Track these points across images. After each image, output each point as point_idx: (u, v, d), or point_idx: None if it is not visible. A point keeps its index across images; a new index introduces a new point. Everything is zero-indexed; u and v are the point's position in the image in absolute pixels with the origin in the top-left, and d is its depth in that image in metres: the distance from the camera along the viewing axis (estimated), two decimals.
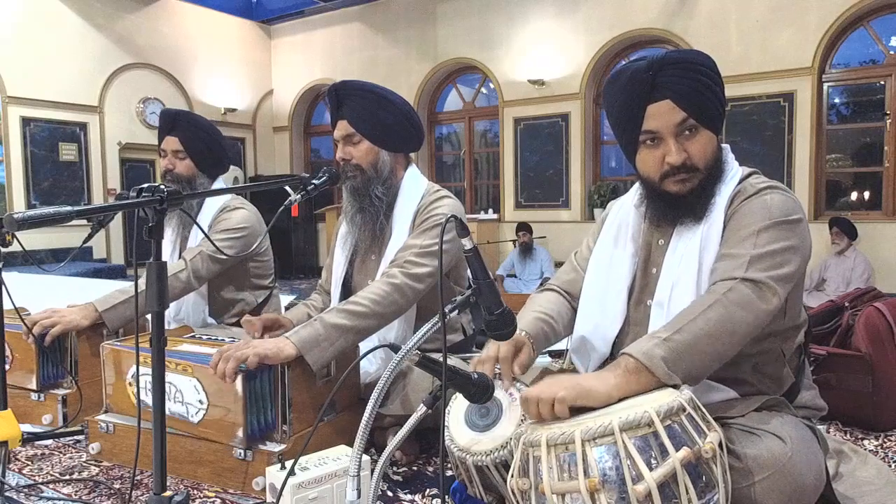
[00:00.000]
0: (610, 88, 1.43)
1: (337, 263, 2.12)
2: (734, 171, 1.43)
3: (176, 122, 2.43)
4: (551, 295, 1.64)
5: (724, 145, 1.45)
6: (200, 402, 1.67)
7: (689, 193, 1.38)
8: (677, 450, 1.03)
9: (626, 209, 1.55)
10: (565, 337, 1.59)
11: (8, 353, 2.14)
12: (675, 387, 1.17)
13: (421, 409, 1.22)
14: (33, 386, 2.11)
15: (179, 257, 2.41)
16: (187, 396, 1.69)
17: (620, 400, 1.16)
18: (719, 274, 1.30)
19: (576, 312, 1.60)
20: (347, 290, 2.09)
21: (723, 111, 1.40)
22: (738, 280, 1.26)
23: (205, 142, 2.44)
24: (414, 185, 2.03)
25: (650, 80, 1.34)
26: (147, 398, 1.59)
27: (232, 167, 9.52)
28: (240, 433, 1.62)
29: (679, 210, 1.40)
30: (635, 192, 1.53)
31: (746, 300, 1.24)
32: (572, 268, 1.68)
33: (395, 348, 1.20)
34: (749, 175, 1.43)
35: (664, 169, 1.37)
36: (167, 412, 1.71)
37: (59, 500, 1.61)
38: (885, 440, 1.95)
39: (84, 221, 1.53)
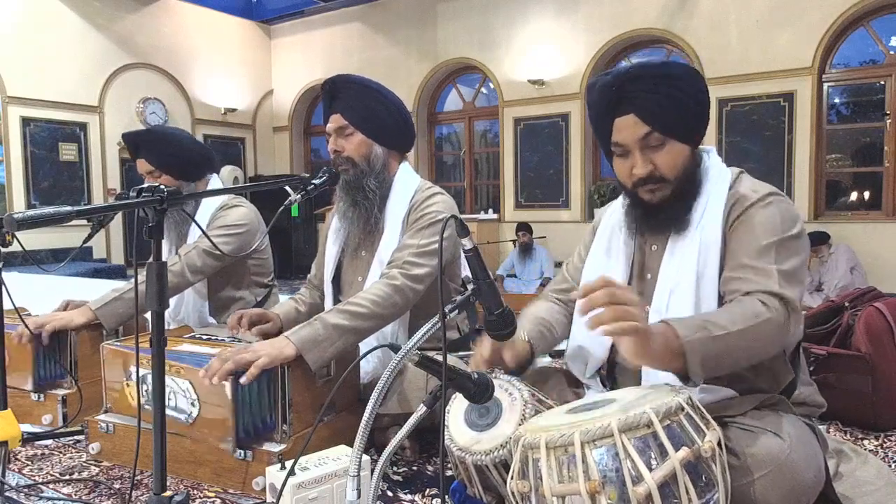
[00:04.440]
0: (587, 98, 1.46)
1: (328, 260, 2.12)
2: (721, 173, 1.42)
3: (138, 145, 2.41)
4: (544, 304, 1.65)
5: (707, 149, 1.45)
6: (192, 403, 1.67)
7: (663, 202, 1.39)
8: (677, 450, 1.03)
9: (617, 215, 1.55)
10: (562, 339, 1.59)
11: None
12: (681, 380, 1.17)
13: (421, 409, 1.22)
14: (29, 387, 2.10)
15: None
16: (180, 398, 1.69)
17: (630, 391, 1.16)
18: (752, 285, 1.27)
19: (570, 319, 1.60)
20: (338, 287, 2.09)
21: (698, 122, 1.40)
22: (777, 297, 1.24)
23: (173, 154, 2.40)
24: (406, 181, 2.01)
25: (615, 94, 1.35)
26: (147, 398, 1.60)
27: (232, 167, 9.59)
28: (230, 436, 1.62)
29: (657, 218, 1.41)
30: (624, 197, 1.54)
31: (783, 322, 1.23)
32: (563, 279, 1.69)
33: (394, 348, 1.20)
34: (739, 175, 1.43)
35: (633, 179, 1.39)
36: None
37: (59, 500, 1.61)
38: (885, 440, 1.95)
39: (84, 221, 1.53)
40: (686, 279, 1.36)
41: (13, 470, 1.77)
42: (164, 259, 1.20)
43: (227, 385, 1.59)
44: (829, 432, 1.98)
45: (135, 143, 2.42)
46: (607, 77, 1.37)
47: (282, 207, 1.71)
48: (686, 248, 1.38)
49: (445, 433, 1.37)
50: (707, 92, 1.42)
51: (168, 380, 1.69)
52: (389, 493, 1.61)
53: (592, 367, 1.49)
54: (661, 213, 1.40)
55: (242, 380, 1.58)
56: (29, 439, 1.84)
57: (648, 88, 1.33)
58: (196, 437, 1.68)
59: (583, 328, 1.51)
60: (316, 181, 1.79)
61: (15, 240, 1.52)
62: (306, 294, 2.22)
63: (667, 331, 1.16)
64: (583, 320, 1.52)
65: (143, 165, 2.41)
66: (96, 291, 2.39)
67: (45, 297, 2.42)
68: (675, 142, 1.36)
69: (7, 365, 2.08)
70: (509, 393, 1.36)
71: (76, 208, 1.13)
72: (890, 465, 1.74)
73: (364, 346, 1.83)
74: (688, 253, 1.37)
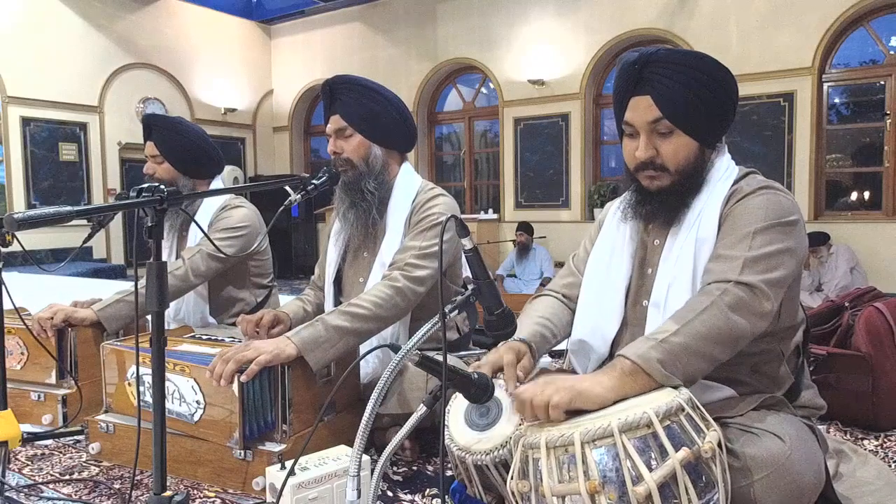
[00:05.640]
0: (616, 72, 1.46)
1: (329, 261, 2.12)
2: (729, 171, 1.42)
3: (152, 127, 2.44)
4: (547, 300, 1.64)
5: (720, 147, 1.44)
6: (198, 402, 1.67)
7: (659, 192, 1.39)
8: (677, 450, 1.03)
9: (622, 207, 1.55)
10: (564, 339, 1.59)
11: (23, 350, 2.15)
12: (674, 387, 1.17)
13: (421, 409, 1.22)
14: (52, 381, 2.12)
15: (177, 258, 2.41)
16: (186, 397, 1.69)
17: (617, 402, 1.16)
18: (713, 275, 1.29)
19: (574, 314, 1.59)
20: (339, 288, 2.09)
21: (715, 122, 1.38)
22: (731, 283, 1.25)
23: (182, 145, 2.41)
24: (408, 182, 2.01)
25: (637, 73, 1.35)
26: (147, 398, 1.59)
27: (231, 167, 9.59)
28: (236, 434, 1.62)
29: (652, 205, 1.41)
30: (627, 181, 1.54)
31: (741, 304, 1.24)
32: (570, 272, 1.68)
33: (395, 348, 1.20)
34: (746, 175, 1.43)
35: (635, 162, 1.39)
36: (168, 412, 1.72)
37: (59, 500, 1.61)
38: (885, 440, 1.95)
39: (84, 221, 1.53)
40: (684, 273, 1.36)
41: (13, 470, 1.77)
42: (163, 259, 1.20)
43: (234, 384, 1.59)
44: (829, 432, 1.98)
45: (149, 125, 2.47)
46: (634, 54, 1.37)
47: (282, 207, 1.71)
48: (684, 242, 1.38)
49: (445, 433, 1.37)
50: (735, 96, 1.40)
51: (174, 378, 1.69)
52: (389, 493, 1.61)
53: (595, 362, 1.49)
54: (655, 201, 1.40)
55: (242, 377, 1.58)
56: (29, 439, 1.84)
57: (670, 75, 1.33)
58: (201, 436, 1.68)
59: (585, 322, 1.52)
60: (316, 181, 1.79)
61: (15, 240, 1.52)
62: (311, 295, 2.22)
63: (616, 361, 1.20)
64: (585, 315, 1.53)
65: (149, 148, 2.44)
66: (96, 291, 2.39)
67: (45, 297, 2.42)
68: (684, 134, 1.36)
69: (27, 360, 2.12)
70: (510, 392, 1.36)
71: (76, 208, 1.14)
72: (890, 465, 1.74)
73: (364, 346, 1.83)
74: (686, 247, 1.37)
